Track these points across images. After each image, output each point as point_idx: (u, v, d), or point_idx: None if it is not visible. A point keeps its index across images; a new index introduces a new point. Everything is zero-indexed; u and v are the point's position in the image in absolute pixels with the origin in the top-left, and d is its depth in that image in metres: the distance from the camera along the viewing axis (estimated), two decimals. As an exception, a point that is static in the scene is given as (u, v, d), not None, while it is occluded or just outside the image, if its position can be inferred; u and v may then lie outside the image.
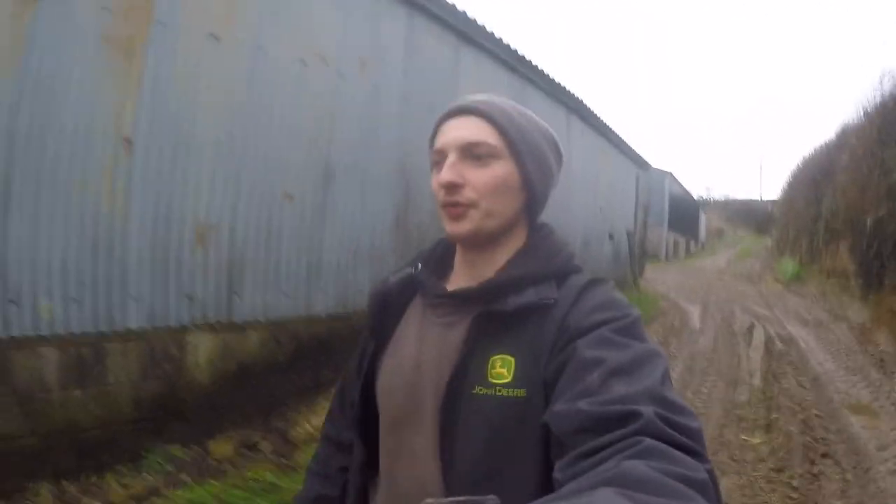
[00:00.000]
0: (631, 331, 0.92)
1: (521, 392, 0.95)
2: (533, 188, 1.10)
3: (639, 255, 17.33)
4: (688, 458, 0.66)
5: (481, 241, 1.09)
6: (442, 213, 1.08)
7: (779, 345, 10.05)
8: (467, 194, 1.04)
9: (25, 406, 3.75)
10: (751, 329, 11.38)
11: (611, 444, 0.69)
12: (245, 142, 4.81)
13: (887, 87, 13.33)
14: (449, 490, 0.98)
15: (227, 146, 4.69)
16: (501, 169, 1.06)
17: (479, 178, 1.04)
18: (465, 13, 7.18)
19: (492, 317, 1.00)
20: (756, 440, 5.47)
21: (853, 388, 7.35)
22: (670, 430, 0.70)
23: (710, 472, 0.66)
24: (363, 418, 1.19)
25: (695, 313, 13.26)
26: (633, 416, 0.72)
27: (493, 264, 1.10)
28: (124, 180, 4.11)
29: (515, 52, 8.74)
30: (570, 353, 0.90)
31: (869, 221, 12.00)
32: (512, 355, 0.97)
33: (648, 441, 0.67)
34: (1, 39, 3.60)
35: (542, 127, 1.14)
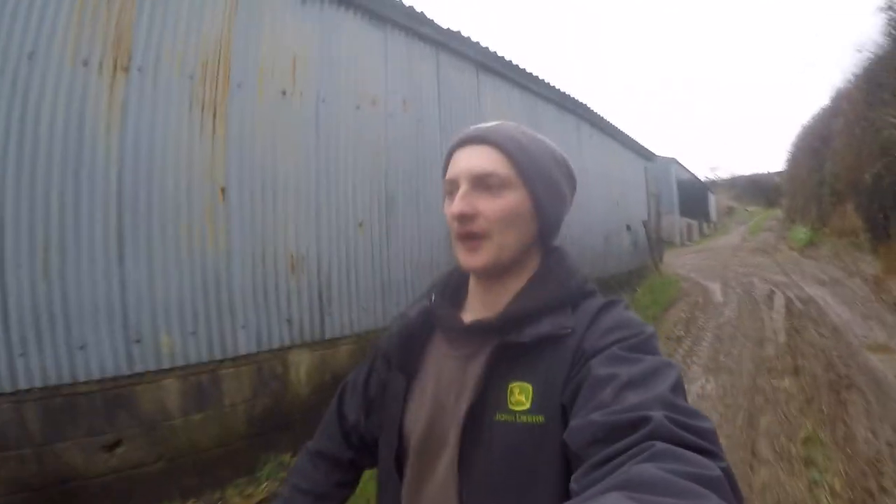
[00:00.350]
0: (643, 347, 0.94)
1: (539, 418, 0.96)
2: (545, 214, 1.12)
3: (656, 242, 18.01)
4: (700, 458, 0.66)
5: (496, 273, 1.11)
6: (456, 244, 1.10)
7: (798, 305, 10.73)
8: (480, 224, 1.05)
9: (151, 434, 4.19)
10: (771, 295, 12.04)
11: (623, 451, 0.71)
12: (318, 180, 5.51)
13: (871, 50, 14.02)
14: None
15: (304, 185, 5.38)
16: (513, 198, 1.07)
17: (491, 208, 1.06)
18: (480, 44, 8.00)
19: (509, 347, 1.02)
20: (785, 382, 6.22)
21: (870, 331, 8.04)
22: (682, 432, 0.71)
23: (726, 471, 0.66)
24: (398, 452, 1.19)
25: (716, 289, 13.89)
26: (643, 421, 0.74)
27: (507, 292, 1.11)
28: (224, 223, 4.72)
29: (526, 72, 9.49)
30: (585, 374, 0.92)
31: (868, 178, 12.69)
32: (530, 383, 0.99)
33: (659, 444, 0.68)
34: (101, 106, 4.09)
35: (553, 152, 1.16)
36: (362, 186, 5.99)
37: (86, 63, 4.00)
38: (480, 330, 1.09)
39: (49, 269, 3.81)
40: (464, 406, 1.02)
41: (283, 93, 5.25)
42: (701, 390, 6.15)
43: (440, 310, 1.18)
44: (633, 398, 0.80)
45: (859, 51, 12.54)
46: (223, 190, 4.73)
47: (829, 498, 3.72)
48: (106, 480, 3.95)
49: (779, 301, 11.25)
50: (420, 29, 6.91)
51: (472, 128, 1.13)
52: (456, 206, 1.05)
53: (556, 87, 10.65)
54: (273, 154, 5.12)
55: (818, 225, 21.96)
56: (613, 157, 14.27)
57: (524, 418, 0.97)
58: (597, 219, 12.26)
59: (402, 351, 1.19)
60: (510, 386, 0.99)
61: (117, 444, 4.04)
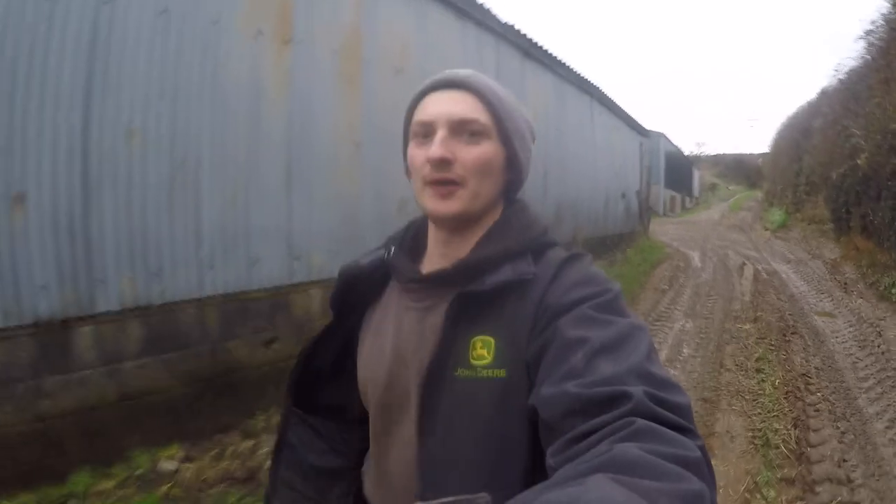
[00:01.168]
0: (612, 306, 0.91)
1: (501, 372, 0.94)
2: (517, 168, 1.10)
3: (644, 210, 19.90)
4: (680, 437, 0.67)
5: (464, 223, 1.07)
6: (424, 189, 1.05)
7: (764, 276, 12.68)
8: (457, 171, 1.02)
9: (298, 333, 5.07)
10: (742, 266, 13.94)
11: (602, 426, 0.70)
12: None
13: (847, 67, 15.67)
14: (431, 472, 0.96)
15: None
16: (491, 147, 1.04)
17: (469, 155, 1.02)
18: (526, 35, 9.66)
19: (469, 298, 0.98)
20: (747, 326, 8.17)
21: (820, 302, 9.95)
22: (661, 410, 0.71)
23: (702, 449, 0.67)
24: (340, 399, 1.23)
25: (695, 257, 15.83)
26: (623, 396, 0.72)
27: (468, 243, 1.08)
28: (358, 171, 5.94)
29: (556, 58, 11.10)
30: (551, 332, 0.89)
31: (834, 176, 14.54)
32: (492, 336, 0.97)
33: (640, 422, 0.68)
34: (272, 71, 4.96)
35: (523, 109, 1.14)
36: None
37: (260, 33, 4.84)
38: (439, 280, 1.06)
39: (236, 201, 4.68)
40: (425, 361, 0.99)
41: (397, 69, 6.73)
42: (682, 328, 8.05)
43: (398, 261, 1.14)
44: (606, 367, 0.78)
45: (835, 71, 14.05)
46: (358, 144, 5.94)
47: (771, 388, 5.64)
48: (262, 371, 4.78)
49: (748, 271, 13.16)
50: (488, 22, 8.48)
51: (448, 71, 1.09)
52: (436, 150, 1.00)
53: (577, 71, 12.33)
54: (391, 118, 6.14)
55: (792, 210, 23.94)
56: (616, 132, 16.10)
57: (485, 373, 0.94)
58: (601, 185, 14.12)
59: (343, 296, 1.18)
60: (473, 340, 0.97)
61: (273, 340, 4.95)
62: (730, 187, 57.36)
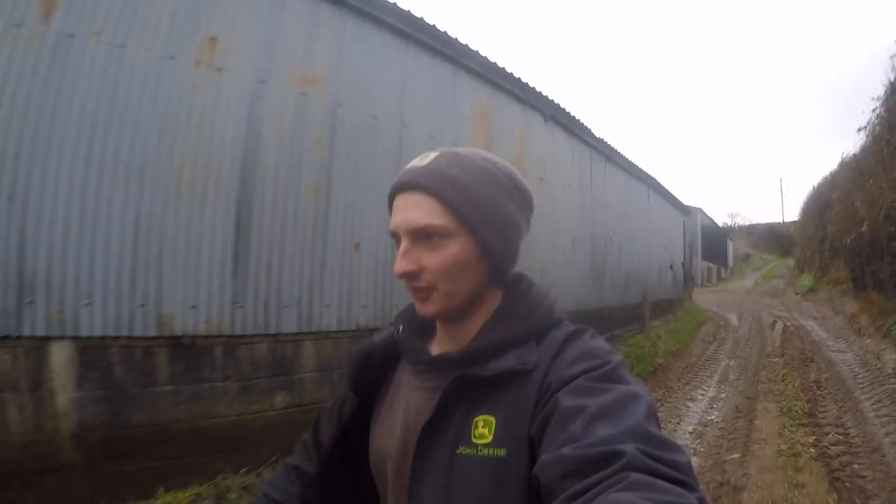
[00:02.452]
0: (611, 376, 0.92)
1: (500, 452, 0.94)
2: (494, 256, 1.08)
3: (688, 279, 22.55)
4: (676, 488, 0.68)
5: (452, 316, 1.09)
6: (409, 293, 1.08)
7: (792, 329, 15.16)
8: (426, 279, 1.03)
9: None
10: (773, 323, 16.44)
11: (597, 483, 0.71)
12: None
13: (856, 148, 18.14)
14: None
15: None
16: (456, 248, 1.03)
17: (433, 262, 1.03)
18: (610, 144, 12.49)
19: (471, 380, 1.00)
20: (776, 359, 10.75)
21: (836, 343, 12.42)
22: (654, 464, 0.72)
23: (701, 501, 0.68)
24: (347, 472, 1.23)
25: (733, 318, 18.36)
26: (616, 455, 0.73)
27: (472, 328, 1.10)
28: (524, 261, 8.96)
29: (627, 158, 13.84)
30: (552, 406, 0.89)
31: (848, 241, 17.04)
32: (493, 416, 0.97)
33: (635, 475, 0.69)
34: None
35: (499, 176, 1.08)
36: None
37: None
38: (446, 363, 1.08)
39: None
40: (435, 439, 1.00)
41: (541, 178, 9.22)
42: (727, 364, 10.60)
43: (406, 342, 1.17)
44: (603, 430, 0.79)
45: (842, 157, 16.20)
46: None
47: (792, 388, 8.25)
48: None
49: (779, 326, 15.65)
50: (585, 137, 11.36)
51: (406, 167, 1.07)
52: (398, 265, 1.03)
53: (638, 166, 15.17)
54: (537, 217, 9.52)
55: (819, 275, 26.10)
56: (665, 213, 19.00)
57: (485, 451, 0.95)
58: (655, 258, 16.93)
59: (358, 373, 1.20)
60: (475, 419, 0.98)
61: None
62: (763, 256, 58.22)
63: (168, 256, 4.51)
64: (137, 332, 4.37)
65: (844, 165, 20.82)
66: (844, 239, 18.11)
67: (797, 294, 25.96)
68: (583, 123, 11.23)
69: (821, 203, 26.69)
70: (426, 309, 1.06)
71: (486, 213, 1.05)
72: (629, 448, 0.73)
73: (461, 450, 0.97)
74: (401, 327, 1.21)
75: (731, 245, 49.86)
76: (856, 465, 5.27)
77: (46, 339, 4.00)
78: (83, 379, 4.14)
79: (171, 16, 4.47)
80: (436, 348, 1.16)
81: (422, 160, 1.07)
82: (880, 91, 14.57)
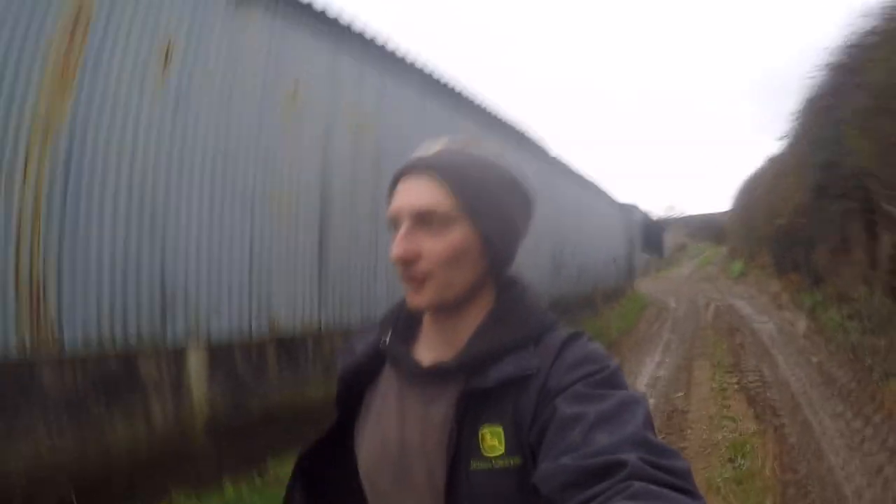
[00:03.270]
0: (609, 381, 0.91)
1: (517, 460, 0.93)
2: (495, 250, 1.05)
3: (630, 270, 24.78)
4: (680, 497, 0.67)
5: (445, 310, 1.05)
6: (404, 286, 1.04)
7: (723, 308, 17.38)
8: (422, 267, 0.99)
9: None
10: (707, 305, 18.60)
11: (600, 494, 0.70)
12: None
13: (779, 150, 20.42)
14: None
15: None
16: (458, 236, 1.00)
17: (433, 248, 0.99)
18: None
19: (475, 393, 0.97)
20: (708, 331, 12.80)
21: (759, 317, 14.59)
22: (657, 472, 0.70)
23: None
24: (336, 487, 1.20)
25: (671, 301, 20.48)
26: (618, 465, 0.72)
27: (462, 328, 1.06)
28: None
29: (585, 175, 16.03)
30: (550, 412, 0.88)
31: (770, 232, 19.35)
32: (499, 425, 0.95)
33: (637, 484, 0.68)
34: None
35: (504, 175, 1.06)
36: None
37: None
38: (441, 374, 1.03)
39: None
40: (432, 455, 0.98)
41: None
42: (669, 337, 12.57)
43: (395, 350, 1.12)
44: (603, 438, 0.77)
45: (780, 139, 17.99)
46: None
47: (722, 350, 10.25)
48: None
49: (712, 308, 17.81)
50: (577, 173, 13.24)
51: (415, 153, 1.06)
52: (395, 249, 0.98)
53: (589, 176, 17.21)
54: None
55: (749, 261, 28.66)
56: (612, 217, 21.15)
57: (501, 463, 0.93)
58: (602, 253, 18.96)
59: (346, 391, 1.18)
60: (481, 431, 0.95)
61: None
62: (699, 245, 59.67)
63: (275, 270, 5.54)
64: (254, 335, 5.34)
65: (768, 164, 23.19)
66: (768, 229, 20.42)
67: (729, 279, 28.46)
68: (540, 144, 13.05)
69: (749, 196, 29.05)
70: (419, 299, 1.02)
71: (490, 204, 1.02)
72: (631, 458, 0.72)
73: (474, 465, 0.94)
74: (388, 335, 1.14)
75: (666, 236, 51.80)
76: (767, 394, 7.24)
77: (184, 347, 4.77)
78: (213, 377, 4.94)
79: (264, 69, 5.78)
80: (423, 351, 1.11)
81: (430, 148, 1.05)
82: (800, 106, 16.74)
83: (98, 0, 4.40)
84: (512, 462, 0.92)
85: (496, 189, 1.03)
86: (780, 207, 18.00)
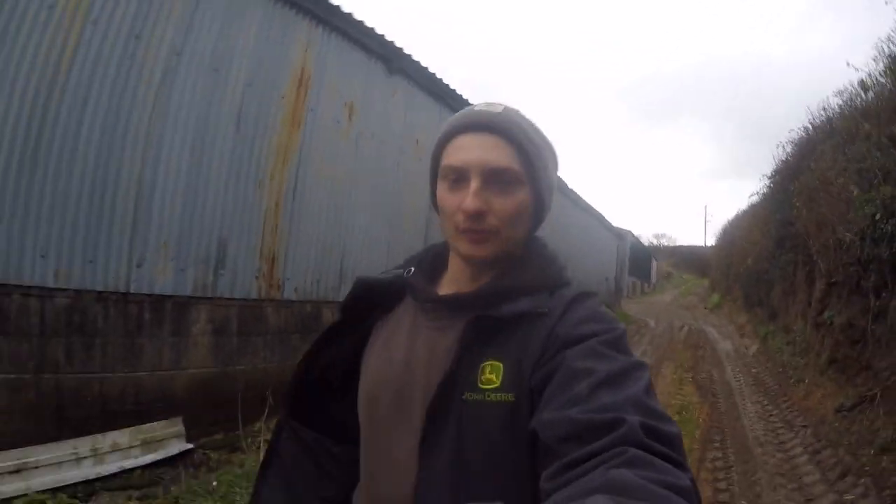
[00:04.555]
0: (618, 344, 0.94)
1: (509, 396, 0.96)
2: (543, 211, 1.13)
3: (618, 291, 27.62)
4: (671, 467, 0.69)
5: (497, 262, 1.09)
6: (458, 235, 1.06)
7: (694, 331, 20.21)
8: (490, 222, 1.03)
9: None
10: (682, 327, 21.39)
11: (597, 453, 0.72)
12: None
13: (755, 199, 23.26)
14: (431, 496, 0.97)
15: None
16: (523, 196, 1.06)
17: (503, 206, 1.03)
18: (587, 199, 17.21)
19: (485, 322, 1.00)
20: (679, 347, 15.64)
21: (723, 341, 17.40)
22: (653, 442, 0.73)
23: (692, 480, 0.69)
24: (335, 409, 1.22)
25: (652, 322, 23.21)
26: (618, 422, 0.75)
27: (488, 273, 1.11)
28: None
29: (587, 202, 18.69)
30: (558, 362, 0.91)
31: (741, 270, 22.18)
32: (500, 361, 0.99)
33: (633, 451, 0.70)
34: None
35: (551, 144, 1.14)
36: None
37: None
38: (457, 303, 1.09)
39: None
40: (434, 382, 1.01)
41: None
42: (645, 350, 15.30)
43: (416, 282, 1.17)
44: (607, 397, 0.81)
45: (751, 196, 20.35)
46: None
47: (686, 358, 13.13)
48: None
49: (685, 329, 20.66)
50: (578, 202, 15.79)
51: (477, 110, 1.08)
52: (470, 203, 1.01)
53: (584, 198, 19.86)
54: None
55: (725, 294, 31.32)
56: (607, 241, 24.08)
57: (493, 396, 0.96)
58: (595, 274, 21.77)
59: (355, 301, 1.20)
60: (482, 365, 0.99)
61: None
62: (683, 276, 61.84)
63: (401, 265, 8.58)
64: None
65: (747, 210, 25.97)
66: (740, 268, 23.21)
67: (706, 308, 31.17)
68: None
69: (729, 236, 31.65)
70: (481, 251, 1.05)
71: (545, 171, 1.10)
72: (631, 418, 0.75)
73: (467, 396, 0.97)
74: (412, 269, 1.20)
75: (654, 264, 53.83)
76: (712, 386, 10.10)
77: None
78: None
79: (401, 125, 8.64)
80: (444, 290, 1.16)
81: (491, 107, 1.08)
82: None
83: (314, 69, 7.12)
84: (504, 397, 0.96)
85: (549, 155, 1.13)
86: (750, 251, 20.83)
